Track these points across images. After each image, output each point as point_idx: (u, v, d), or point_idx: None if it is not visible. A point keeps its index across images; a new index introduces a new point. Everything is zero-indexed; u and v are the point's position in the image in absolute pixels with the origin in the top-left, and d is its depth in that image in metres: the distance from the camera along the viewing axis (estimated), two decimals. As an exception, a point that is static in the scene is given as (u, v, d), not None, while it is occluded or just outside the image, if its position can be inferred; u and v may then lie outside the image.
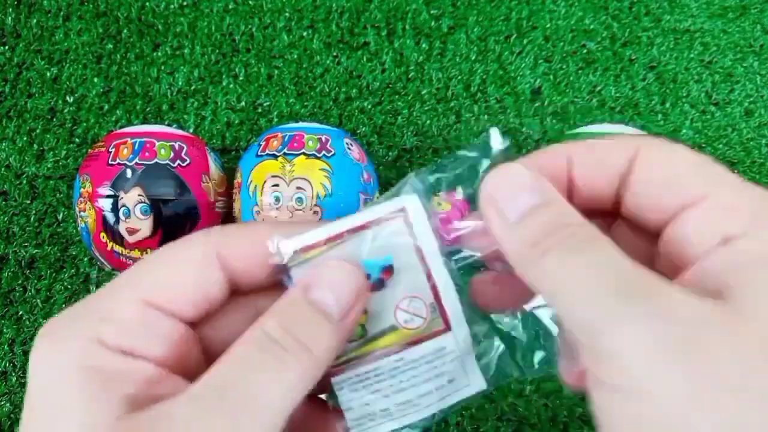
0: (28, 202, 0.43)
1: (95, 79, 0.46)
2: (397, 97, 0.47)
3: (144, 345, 0.18)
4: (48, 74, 0.46)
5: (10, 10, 0.48)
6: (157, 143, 0.36)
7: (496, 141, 0.21)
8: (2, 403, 0.39)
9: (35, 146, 0.44)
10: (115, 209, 0.34)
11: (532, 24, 0.49)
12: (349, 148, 0.37)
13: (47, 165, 0.44)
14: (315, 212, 0.35)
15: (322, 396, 0.21)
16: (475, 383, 0.21)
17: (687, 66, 0.48)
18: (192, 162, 0.36)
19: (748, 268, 0.15)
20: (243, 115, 0.46)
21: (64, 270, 0.41)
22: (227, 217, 0.39)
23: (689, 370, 0.14)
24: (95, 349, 0.17)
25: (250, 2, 0.49)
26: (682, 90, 0.48)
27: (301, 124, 0.38)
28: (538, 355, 0.22)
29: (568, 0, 0.49)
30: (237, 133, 0.45)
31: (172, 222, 0.35)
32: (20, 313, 0.40)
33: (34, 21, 0.48)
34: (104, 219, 0.35)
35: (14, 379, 0.39)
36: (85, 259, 0.41)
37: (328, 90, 0.47)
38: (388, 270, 0.20)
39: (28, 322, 0.40)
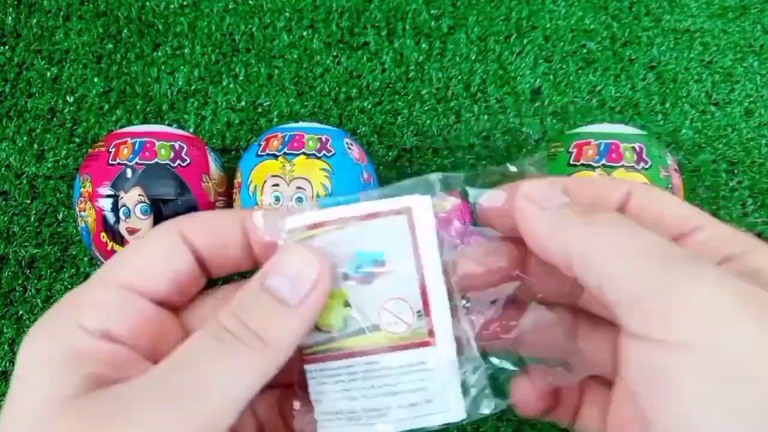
0: (28, 202, 0.43)
1: (95, 79, 0.46)
2: (397, 97, 0.47)
3: (119, 326, 0.18)
4: (48, 74, 0.46)
5: (10, 10, 0.48)
6: (157, 143, 0.36)
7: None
8: (2, 402, 0.39)
9: (35, 146, 0.44)
10: (115, 209, 0.34)
11: (532, 24, 0.49)
12: (349, 148, 0.37)
13: (47, 165, 0.44)
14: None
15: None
16: (455, 411, 0.20)
17: (687, 66, 0.48)
18: (192, 162, 0.36)
19: None
20: (243, 115, 0.46)
21: (64, 270, 0.41)
22: (227, 217, 0.39)
23: (760, 321, 0.15)
24: (72, 332, 0.18)
25: (250, 2, 0.49)
26: (682, 90, 0.48)
27: (301, 124, 0.38)
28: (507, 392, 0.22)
29: (568, 0, 0.49)
30: (237, 133, 0.45)
31: (172, 222, 0.35)
32: (20, 312, 0.40)
33: (34, 21, 0.48)
34: (104, 219, 0.35)
35: (14, 378, 0.39)
36: (85, 259, 0.41)
37: (328, 90, 0.47)
38: (379, 265, 0.20)
39: (28, 322, 0.40)
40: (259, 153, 0.36)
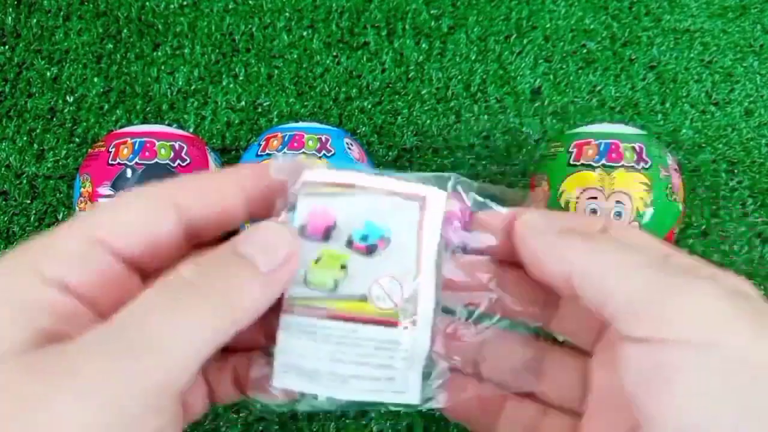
0: (28, 202, 0.43)
1: (95, 79, 0.46)
2: (397, 97, 0.47)
3: (80, 280, 0.17)
4: (48, 74, 0.46)
5: (10, 10, 0.48)
6: (157, 143, 0.36)
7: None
8: None
9: (35, 146, 0.44)
10: (115, 209, 0.34)
11: (532, 24, 0.49)
12: (349, 148, 0.37)
13: (47, 165, 0.44)
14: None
15: None
16: (411, 394, 0.20)
17: (687, 66, 0.48)
18: (192, 162, 0.36)
19: None
20: (243, 115, 0.46)
21: (64, 270, 0.41)
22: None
23: (756, 321, 0.16)
24: (28, 279, 0.17)
25: (250, 2, 0.49)
26: (682, 90, 0.48)
27: (301, 124, 0.38)
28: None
29: (568, 0, 0.49)
30: (237, 133, 0.45)
31: (172, 222, 0.35)
32: (20, 313, 0.40)
33: (34, 21, 0.48)
34: (104, 219, 0.35)
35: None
36: (85, 259, 0.41)
37: (328, 90, 0.47)
38: (384, 241, 0.20)
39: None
40: (259, 153, 0.36)
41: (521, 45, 0.48)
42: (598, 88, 0.47)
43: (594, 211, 0.36)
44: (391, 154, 0.45)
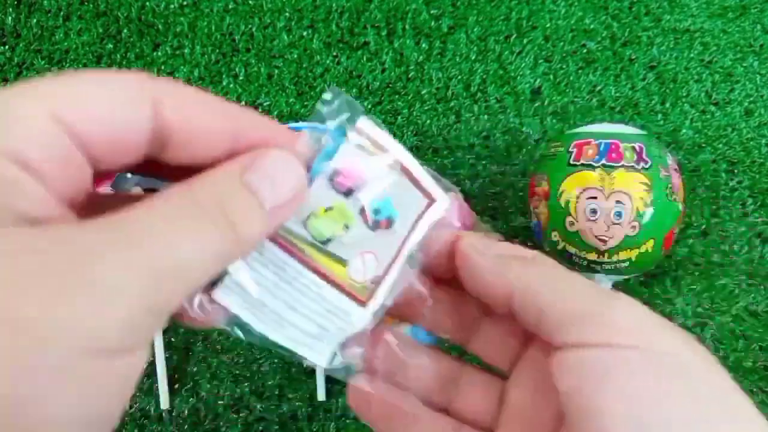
0: (28, 202, 0.43)
1: (95, 79, 0.46)
2: (397, 96, 0.47)
3: (40, 162, 0.15)
4: (48, 74, 0.46)
5: (10, 10, 0.48)
6: (157, 143, 0.36)
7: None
8: None
9: (35, 146, 0.44)
10: (115, 209, 0.34)
11: (532, 24, 0.49)
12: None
13: (47, 165, 0.44)
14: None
15: None
16: (321, 358, 0.21)
17: (687, 66, 0.48)
18: (192, 162, 0.36)
19: None
20: (243, 115, 0.46)
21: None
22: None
23: (676, 330, 0.19)
24: None
25: (250, 2, 0.49)
26: (682, 90, 0.48)
27: (300, 124, 0.38)
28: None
29: (568, 0, 0.49)
30: (237, 133, 0.45)
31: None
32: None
33: (34, 21, 0.48)
34: (104, 219, 0.35)
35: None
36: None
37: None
38: (388, 221, 0.20)
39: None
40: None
41: (521, 45, 0.48)
42: (598, 88, 0.47)
43: (594, 211, 0.36)
44: (391, 154, 0.45)
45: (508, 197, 0.45)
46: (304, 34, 0.48)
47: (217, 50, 0.48)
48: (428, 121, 0.46)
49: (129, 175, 0.35)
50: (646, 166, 0.36)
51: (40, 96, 0.15)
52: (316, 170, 0.20)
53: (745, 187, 0.45)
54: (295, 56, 0.48)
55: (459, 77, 0.47)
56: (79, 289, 0.13)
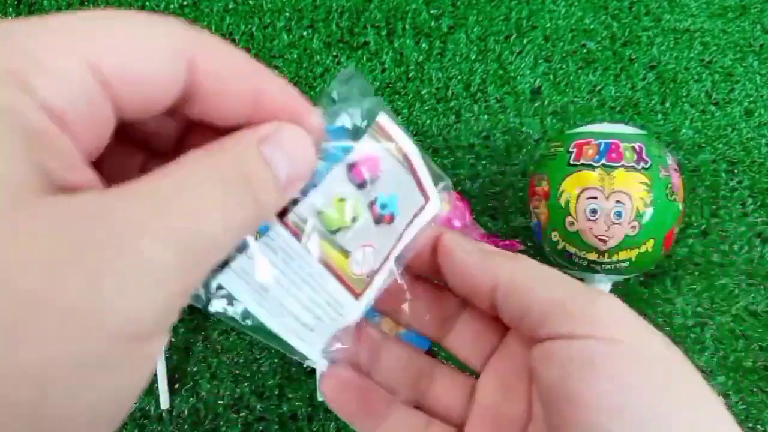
0: (28, 201, 0.43)
1: (95, 79, 0.46)
2: (397, 96, 0.47)
3: (76, 116, 0.14)
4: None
5: (10, 10, 0.48)
6: (157, 143, 0.36)
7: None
8: None
9: (35, 146, 0.44)
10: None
11: (532, 24, 0.49)
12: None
13: (47, 165, 0.44)
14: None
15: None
16: (312, 350, 0.21)
17: (687, 66, 0.48)
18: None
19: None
20: (243, 115, 0.46)
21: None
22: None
23: (646, 324, 0.20)
24: (19, 96, 0.13)
25: (250, 2, 0.49)
26: (682, 90, 0.48)
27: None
28: None
29: (568, 0, 0.49)
30: (237, 132, 0.45)
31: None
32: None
33: (34, 21, 0.48)
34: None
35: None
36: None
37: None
38: (391, 217, 0.21)
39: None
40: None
41: (521, 45, 0.48)
42: (598, 87, 0.47)
43: (594, 211, 0.36)
44: (391, 154, 0.45)
45: (508, 197, 0.45)
46: (304, 34, 0.48)
47: (217, 50, 0.48)
48: (428, 121, 0.46)
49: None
50: (646, 166, 0.36)
51: (78, 42, 0.14)
52: (334, 157, 0.20)
53: (745, 187, 0.45)
54: (295, 56, 0.48)
55: (459, 77, 0.47)
56: (123, 270, 0.13)
